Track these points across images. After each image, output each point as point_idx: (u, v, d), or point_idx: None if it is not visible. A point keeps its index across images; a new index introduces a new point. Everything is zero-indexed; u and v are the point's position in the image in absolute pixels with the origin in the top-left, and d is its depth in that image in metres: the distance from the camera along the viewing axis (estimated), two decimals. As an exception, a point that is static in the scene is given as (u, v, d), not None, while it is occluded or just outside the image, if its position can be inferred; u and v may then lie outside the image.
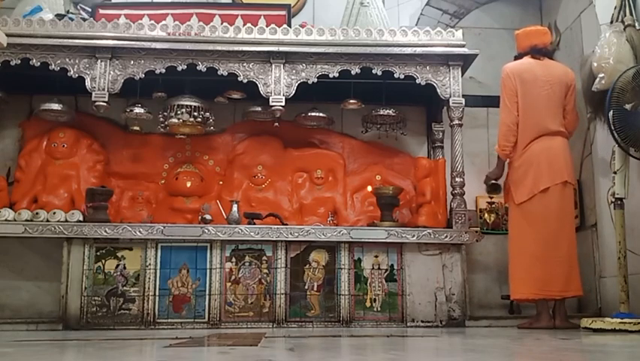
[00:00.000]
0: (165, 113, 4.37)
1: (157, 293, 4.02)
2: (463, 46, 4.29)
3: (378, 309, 4.12)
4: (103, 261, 4.04)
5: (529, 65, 3.99)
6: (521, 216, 3.87)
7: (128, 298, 4.01)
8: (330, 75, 4.24)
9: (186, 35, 4.20)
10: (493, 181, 4.09)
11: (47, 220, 4.02)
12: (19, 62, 4.10)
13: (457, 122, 4.25)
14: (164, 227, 4.06)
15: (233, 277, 4.09)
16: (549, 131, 3.87)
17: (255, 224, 4.20)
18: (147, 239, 4.04)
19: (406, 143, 4.88)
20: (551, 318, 3.79)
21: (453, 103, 4.25)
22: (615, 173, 3.56)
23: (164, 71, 4.19)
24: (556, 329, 3.65)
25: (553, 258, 3.74)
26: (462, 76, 4.34)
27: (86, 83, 4.13)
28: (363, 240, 4.13)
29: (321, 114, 4.58)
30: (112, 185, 4.52)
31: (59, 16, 4.37)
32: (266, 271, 4.11)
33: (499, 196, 4.30)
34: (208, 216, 4.24)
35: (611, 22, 3.79)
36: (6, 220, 4.00)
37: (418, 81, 4.26)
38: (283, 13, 4.67)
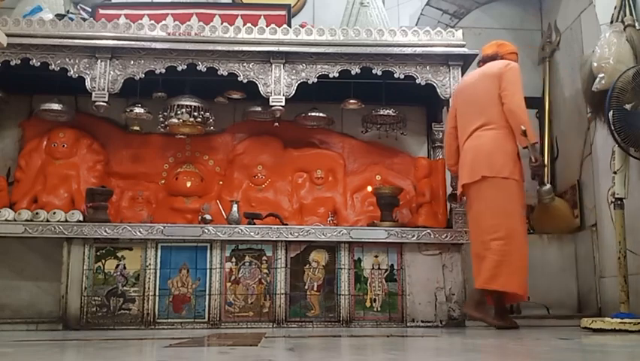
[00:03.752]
0: (165, 113, 4.37)
1: (157, 293, 4.02)
2: (463, 46, 4.29)
3: (378, 309, 4.12)
4: (103, 261, 4.04)
5: (468, 76, 4.11)
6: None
7: (128, 298, 4.01)
8: (330, 75, 4.24)
9: (186, 35, 4.20)
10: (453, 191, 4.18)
11: (47, 220, 4.02)
12: (19, 62, 4.11)
13: (457, 122, 4.25)
14: (164, 227, 4.06)
15: (233, 277, 4.09)
16: (476, 127, 3.83)
17: (255, 224, 4.20)
18: (147, 239, 4.04)
19: (406, 143, 4.88)
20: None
21: (453, 103, 4.24)
22: (615, 173, 3.56)
23: (164, 71, 4.19)
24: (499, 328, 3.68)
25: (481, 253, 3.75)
26: (462, 76, 4.34)
27: (86, 83, 4.13)
28: (363, 240, 4.13)
29: (321, 114, 4.58)
30: (112, 185, 4.52)
31: (59, 16, 4.37)
32: (266, 271, 4.11)
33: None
34: (208, 216, 4.24)
35: (611, 22, 3.79)
36: (6, 220, 4.00)
37: (418, 81, 4.26)
38: (283, 13, 4.68)
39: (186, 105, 4.34)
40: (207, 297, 4.04)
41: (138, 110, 4.39)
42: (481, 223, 3.78)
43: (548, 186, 3.96)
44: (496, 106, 3.78)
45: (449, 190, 4.28)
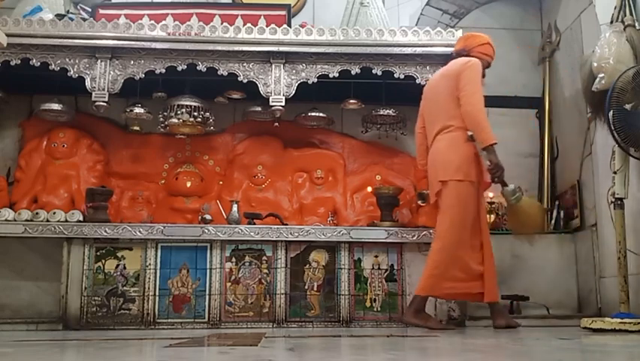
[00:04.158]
0: (165, 113, 4.37)
1: (157, 293, 4.02)
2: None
3: (378, 309, 4.12)
4: (103, 261, 4.04)
5: (434, 75, 4.02)
6: None
7: (128, 298, 4.01)
8: (330, 75, 4.24)
9: (186, 35, 4.20)
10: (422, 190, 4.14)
11: (47, 220, 4.02)
12: (19, 62, 4.10)
13: (457, 122, 4.25)
14: (164, 227, 4.06)
15: (233, 277, 4.09)
16: (437, 131, 3.77)
17: (255, 224, 4.20)
18: (147, 239, 4.04)
19: (406, 143, 4.87)
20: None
21: (453, 103, 4.24)
22: (615, 173, 3.55)
23: (164, 71, 4.19)
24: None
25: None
26: (462, 76, 4.33)
27: (86, 83, 4.13)
28: (363, 240, 4.13)
29: (321, 114, 4.58)
30: (112, 185, 4.52)
31: (59, 16, 4.36)
32: (266, 271, 4.11)
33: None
34: (208, 216, 4.24)
35: (611, 22, 3.79)
36: (6, 220, 4.00)
37: (418, 81, 4.25)
38: (283, 13, 4.67)
39: (186, 105, 4.34)
40: (207, 297, 4.04)
41: (138, 110, 4.39)
42: (439, 228, 3.74)
43: (511, 187, 3.71)
44: (455, 108, 3.68)
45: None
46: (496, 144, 3.60)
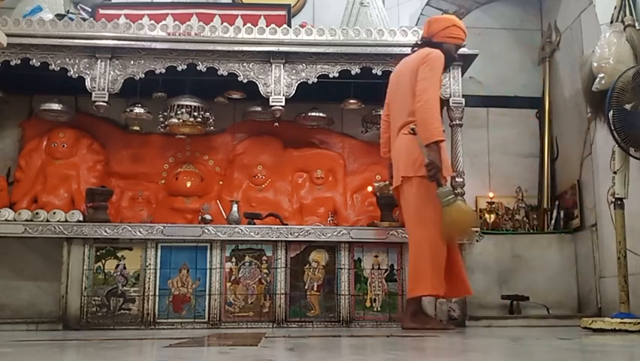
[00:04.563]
0: (165, 113, 4.37)
1: (157, 293, 4.02)
2: (463, 46, 4.28)
3: (378, 309, 4.12)
4: (103, 261, 4.04)
5: (400, 64, 3.88)
6: None
7: (128, 298, 4.01)
8: (330, 75, 4.24)
9: (186, 35, 4.20)
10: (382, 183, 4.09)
11: (47, 220, 4.02)
12: (19, 62, 4.11)
13: (457, 122, 4.26)
14: (164, 227, 4.06)
15: (233, 277, 4.09)
16: (399, 127, 3.73)
17: (255, 224, 4.21)
18: (147, 239, 4.04)
19: (406, 143, 4.86)
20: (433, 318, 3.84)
21: (453, 103, 4.25)
22: (615, 173, 3.55)
23: (164, 71, 4.19)
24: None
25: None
26: (462, 76, 4.34)
27: (86, 83, 4.14)
28: (363, 240, 4.13)
29: (321, 114, 4.59)
30: (112, 185, 4.53)
31: (59, 16, 4.37)
32: (266, 271, 4.11)
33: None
34: (208, 216, 4.25)
35: (611, 22, 3.79)
36: (6, 220, 4.00)
37: (418, 81, 4.25)
38: (283, 13, 4.68)
39: (186, 105, 4.35)
40: (207, 297, 4.04)
41: (138, 110, 4.40)
42: (407, 226, 3.74)
43: (445, 189, 3.52)
44: (412, 102, 3.60)
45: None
46: (441, 141, 3.52)
